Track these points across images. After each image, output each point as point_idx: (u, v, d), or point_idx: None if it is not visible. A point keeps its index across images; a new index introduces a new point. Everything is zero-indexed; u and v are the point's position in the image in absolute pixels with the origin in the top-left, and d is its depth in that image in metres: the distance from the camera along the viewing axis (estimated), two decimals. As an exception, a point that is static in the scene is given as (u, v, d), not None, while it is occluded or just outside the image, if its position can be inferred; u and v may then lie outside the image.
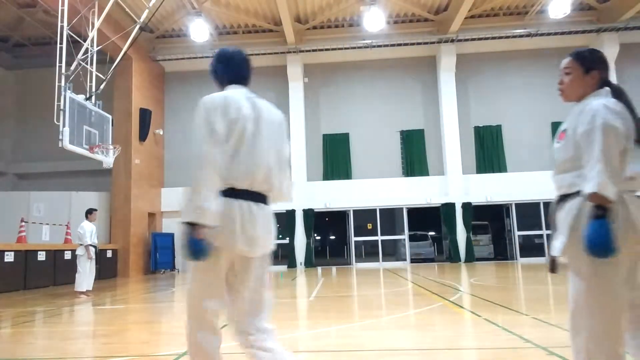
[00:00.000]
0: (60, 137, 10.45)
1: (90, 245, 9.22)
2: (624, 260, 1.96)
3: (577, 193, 2.02)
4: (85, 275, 9.20)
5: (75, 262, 9.34)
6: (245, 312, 2.08)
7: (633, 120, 2.01)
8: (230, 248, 1.98)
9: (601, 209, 1.91)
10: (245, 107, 2.06)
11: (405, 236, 18.68)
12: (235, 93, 2.12)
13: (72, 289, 9.46)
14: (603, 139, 1.93)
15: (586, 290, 1.99)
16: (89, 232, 9.24)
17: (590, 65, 2.17)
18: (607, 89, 2.15)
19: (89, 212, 9.46)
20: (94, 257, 9.33)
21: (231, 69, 2.22)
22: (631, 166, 1.99)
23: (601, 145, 1.92)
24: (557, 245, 2.07)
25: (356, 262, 18.80)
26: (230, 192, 2.00)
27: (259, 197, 2.08)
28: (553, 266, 2.11)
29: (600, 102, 2.02)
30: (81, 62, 11.46)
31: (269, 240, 2.11)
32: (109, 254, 15.06)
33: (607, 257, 1.88)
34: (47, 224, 15.36)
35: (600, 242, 1.87)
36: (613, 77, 18.08)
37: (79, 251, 9.26)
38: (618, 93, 2.10)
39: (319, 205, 18.42)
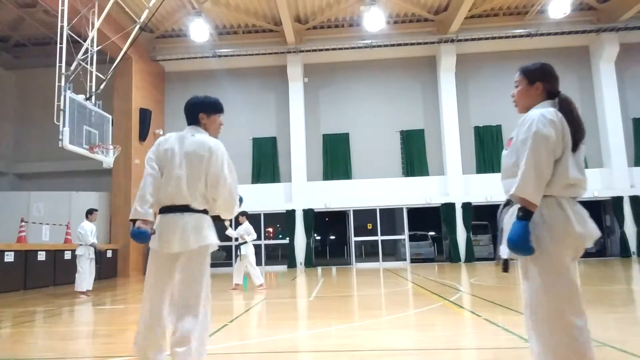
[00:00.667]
0: (60, 137, 10.42)
1: (90, 245, 9.23)
2: (566, 257, 2.09)
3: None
4: (86, 275, 9.21)
5: (75, 262, 9.35)
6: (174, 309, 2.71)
7: (570, 131, 2.12)
8: (160, 248, 2.70)
9: (524, 211, 2.08)
10: (172, 143, 2.76)
11: (405, 236, 18.67)
12: (178, 133, 2.82)
13: (72, 289, 9.46)
14: (534, 146, 2.06)
15: (536, 290, 2.11)
16: (89, 232, 9.25)
17: (534, 77, 2.31)
18: (555, 99, 2.26)
19: (89, 212, 9.46)
20: (94, 257, 9.34)
21: (185, 115, 2.89)
22: (571, 173, 2.10)
23: (531, 152, 2.06)
24: (503, 248, 2.21)
25: (356, 262, 18.78)
26: (164, 209, 2.72)
27: (184, 209, 2.68)
28: (505, 266, 2.26)
29: (538, 112, 2.15)
30: (81, 62, 11.44)
31: (191, 239, 2.65)
32: (109, 254, 15.05)
33: (525, 255, 2.10)
34: (47, 224, 15.35)
35: (517, 242, 2.05)
36: (612, 77, 18.12)
37: (79, 251, 9.27)
38: (562, 103, 2.22)
39: (319, 205, 18.41)
